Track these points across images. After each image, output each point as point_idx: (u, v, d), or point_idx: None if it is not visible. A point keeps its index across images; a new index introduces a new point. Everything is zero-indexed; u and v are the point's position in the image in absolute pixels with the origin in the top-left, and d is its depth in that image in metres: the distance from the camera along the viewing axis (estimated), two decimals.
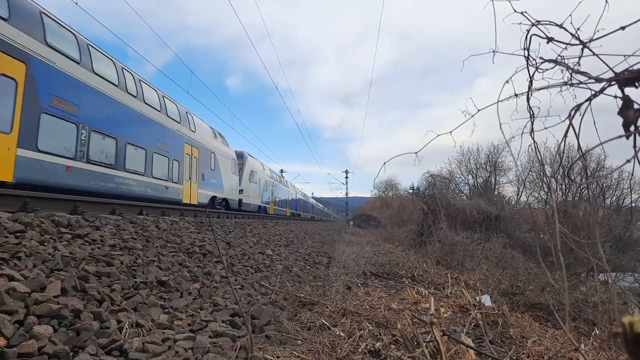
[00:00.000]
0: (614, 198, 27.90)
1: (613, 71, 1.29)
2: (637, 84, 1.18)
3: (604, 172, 24.48)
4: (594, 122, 1.51)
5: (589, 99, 1.40)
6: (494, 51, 1.84)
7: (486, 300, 5.63)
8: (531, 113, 1.73)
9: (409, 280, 7.46)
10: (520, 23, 1.64)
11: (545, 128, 1.70)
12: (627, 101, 1.15)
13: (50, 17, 7.72)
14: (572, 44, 1.51)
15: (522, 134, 1.78)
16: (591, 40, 1.46)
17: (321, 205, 67.63)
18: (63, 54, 7.88)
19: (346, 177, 68.01)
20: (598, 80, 1.32)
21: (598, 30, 1.43)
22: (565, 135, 1.57)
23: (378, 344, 3.49)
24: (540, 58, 1.63)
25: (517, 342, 4.21)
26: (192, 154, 14.21)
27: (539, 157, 2.04)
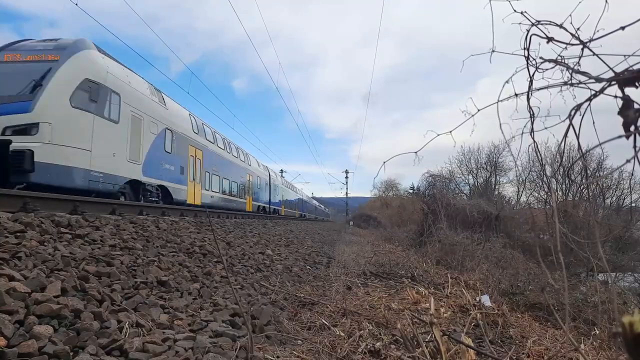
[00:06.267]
0: (614, 198, 27.93)
1: (613, 71, 1.29)
2: (637, 84, 1.18)
3: (604, 172, 24.50)
4: (593, 122, 1.51)
5: (589, 99, 1.40)
6: (493, 50, 1.84)
7: (486, 300, 5.63)
8: (531, 113, 1.73)
9: (409, 280, 7.45)
10: (520, 23, 1.64)
11: (546, 128, 1.70)
12: (627, 101, 1.14)
13: None
14: (572, 44, 1.51)
15: (522, 134, 1.78)
16: (591, 40, 1.46)
17: (316, 202, 64.85)
18: None
19: (346, 177, 67.94)
20: (598, 80, 1.32)
21: (598, 30, 1.43)
22: (566, 135, 1.57)
23: (378, 344, 3.49)
24: (541, 58, 1.63)
25: (517, 342, 4.21)
26: None
27: (539, 157, 2.04)
